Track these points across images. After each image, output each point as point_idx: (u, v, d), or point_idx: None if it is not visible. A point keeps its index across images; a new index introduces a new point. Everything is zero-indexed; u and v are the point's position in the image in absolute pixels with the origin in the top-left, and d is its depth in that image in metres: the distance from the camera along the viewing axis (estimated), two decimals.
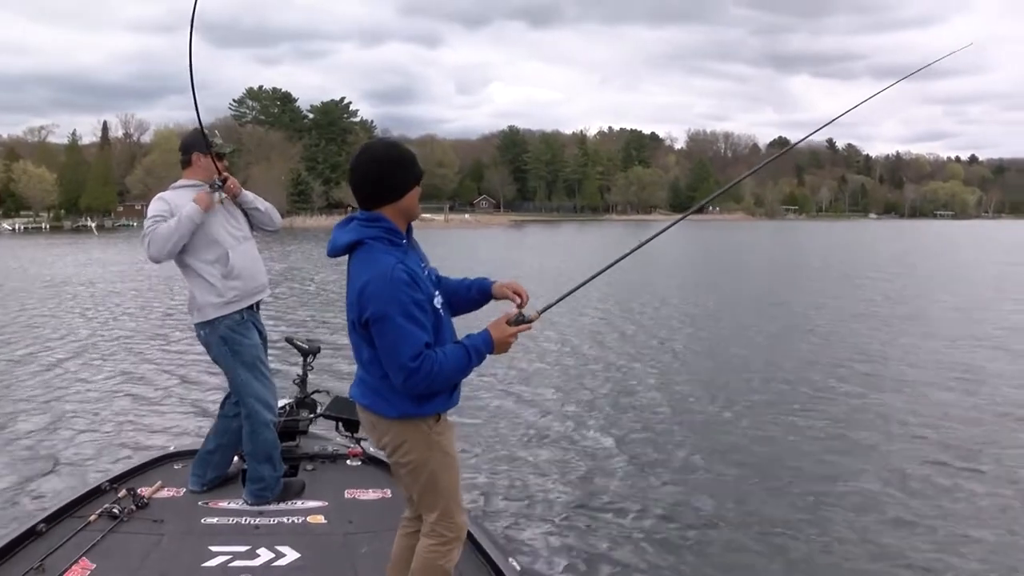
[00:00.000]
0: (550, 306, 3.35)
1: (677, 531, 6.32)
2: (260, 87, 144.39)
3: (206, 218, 4.69)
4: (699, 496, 7.05)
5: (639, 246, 3.50)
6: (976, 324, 17.60)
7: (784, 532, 6.29)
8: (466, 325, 3.30)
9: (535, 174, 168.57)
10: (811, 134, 4.52)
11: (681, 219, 4.23)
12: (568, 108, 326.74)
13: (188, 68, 4.39)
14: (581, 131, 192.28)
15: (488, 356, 3.14)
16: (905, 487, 7.28)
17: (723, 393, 10.90)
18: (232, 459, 5.18)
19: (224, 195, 4.83)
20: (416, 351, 2.92)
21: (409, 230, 3.20)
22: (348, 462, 5.60)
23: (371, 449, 5.56)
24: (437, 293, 3.15)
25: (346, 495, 4.96)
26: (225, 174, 4.86)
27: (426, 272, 3.17)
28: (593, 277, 3.46)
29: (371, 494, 4.98)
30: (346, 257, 3.15)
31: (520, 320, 3.19)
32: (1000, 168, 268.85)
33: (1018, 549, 6.02)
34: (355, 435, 5.61)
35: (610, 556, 5.90)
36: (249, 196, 5.01)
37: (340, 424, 5.65)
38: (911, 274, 33.31)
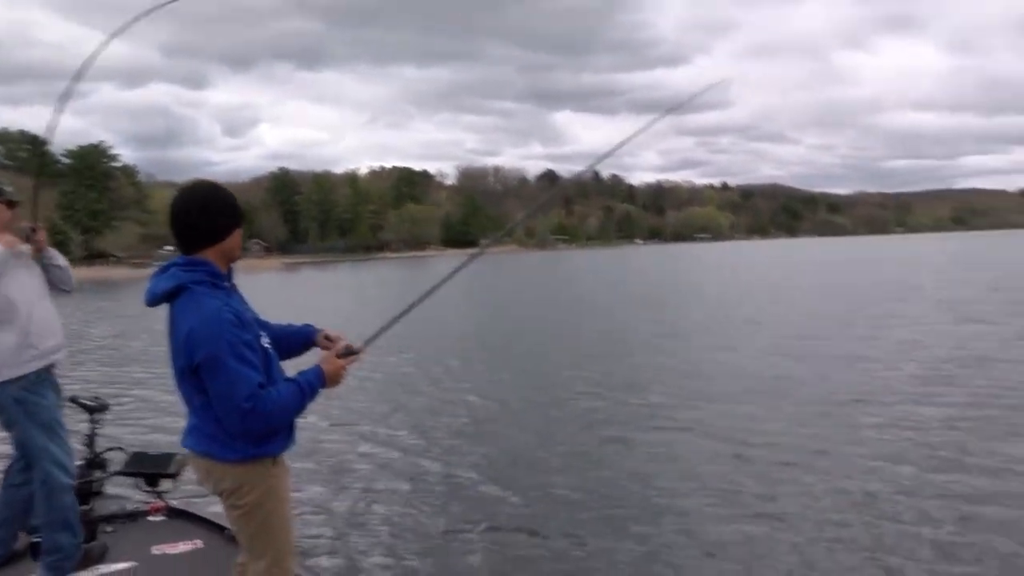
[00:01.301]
0: (375, 336, 3.38)
1: (504, 552, 6.55)
2: (4, 129, 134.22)
3: (7, 271, 4.41)
4: (527, 515, 7.34)
5: (448, 277, 3.62)
6: (770, 336, 19.27)
7: (613, 543, 6.63)
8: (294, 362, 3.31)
9: (307, 215, 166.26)
10: (587, 169, 4.77)
11: (480, 254, 4.41)
12: (338, 148, 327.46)
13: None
14: (352, 171, 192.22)
15: (321, 390, 3.14)
16: (729, 492, 7.87)
17: (538, 414, 11.51)
18: (18, 533, 4.82)
19: (30, 248, 4.56)
20: (250, 391, 2.89)
21: (231, 272, 3.18)
22: (150, 518, 5.34)
23: (174, 502, 5.37)
24: (263, 333, 3.14)
25: (154, 552, 4.74)
26: (36, 224, 4.57)
27: (250, 314, 3.14)
28: (411, 307, 3.47)
29: (181, 547, 4.79)
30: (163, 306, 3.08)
31: (349, 352, 3.22)
32: (748, 193, 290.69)
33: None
34: (156, 489, 5.39)
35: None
36: (52, 251, 4.75)
37: (143, 480, 5.41)
38: (696, 294, 36.08)
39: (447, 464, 9.10)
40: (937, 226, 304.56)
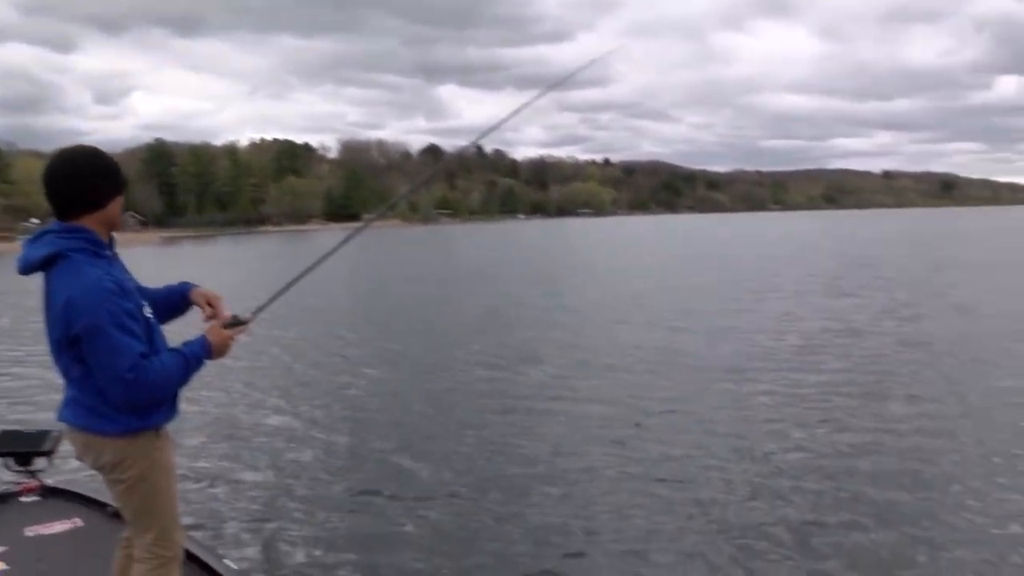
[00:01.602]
0: (263, 307, 3.30)
1: (413, 519, 6.53)
2: None
3: None
4: (435, 483, 7.38)
5: (338, 247, 3.61)
6: (657, 310, 19.76)
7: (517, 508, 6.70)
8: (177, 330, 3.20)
9: (184, 188, 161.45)
10: (471, 144, 4.74)
11: (365, 226, 4.43)
12: (218, 119, 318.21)
13: None
14: (232, 143, 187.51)
15: (207, 361, 3.06)
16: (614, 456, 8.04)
17: (437, 386, 11.65)
18: None
19: None
20: (132, 362, 2.78)
21: (112, 241, 3.03)
22: (22, 499, 5.07)
23: (49, 480, 5.14)
24: (145, 303, 3.02)
25: (27, 534, 4.51)
26: None
27: (131, 283, 3.02)
28: (299, 277, 3.41)
29: (58, 527, 4.55)
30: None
31: (236, 322, 3.14)
32: (630, 170, 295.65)
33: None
34: (29, 468, 5.14)
35: (329, 545, 6.07)
36: None
37: (13, 459, 5.16)
38: (581, 269, 36.68)
39: (351, 435, 9.05)
40: (810, 204, 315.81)
